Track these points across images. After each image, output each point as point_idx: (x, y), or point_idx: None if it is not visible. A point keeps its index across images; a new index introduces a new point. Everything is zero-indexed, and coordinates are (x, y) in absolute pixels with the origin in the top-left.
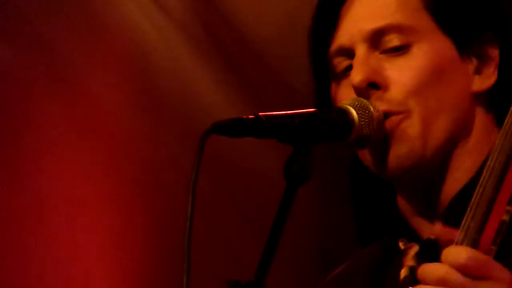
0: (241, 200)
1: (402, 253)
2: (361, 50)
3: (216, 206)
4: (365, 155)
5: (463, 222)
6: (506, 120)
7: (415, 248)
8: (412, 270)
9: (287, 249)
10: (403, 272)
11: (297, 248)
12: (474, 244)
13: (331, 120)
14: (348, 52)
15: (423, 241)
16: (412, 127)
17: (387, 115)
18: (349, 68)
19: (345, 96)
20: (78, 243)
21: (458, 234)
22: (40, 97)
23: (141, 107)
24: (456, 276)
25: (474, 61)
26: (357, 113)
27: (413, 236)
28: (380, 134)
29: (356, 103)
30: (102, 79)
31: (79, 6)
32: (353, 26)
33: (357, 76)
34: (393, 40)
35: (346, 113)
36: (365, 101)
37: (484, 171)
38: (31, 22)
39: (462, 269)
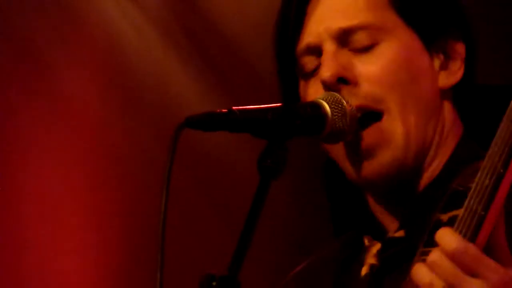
0: (215, 194)
1: (365, 250)
2: (329, 47)
3: (191, 199)
4: (340, 158)
5: (466, 203)
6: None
7: (377, 246)
8: (372, 268)
9: (262, 243)
10: (364, 270)
11: (272, 242)
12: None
13: (305, 115)
14: (316, 51)
15: (386, 240)
16: (396, 134)
17: (366, 121)
18: (318, 67)
19: (315, 94)
20: (54, 237)
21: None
22: (17, 93)
23: (117, 102)
24: (447, 264)
25: (441, 57)
26: (330, 107)
27: (379, 231)
28: (353, 128)
29: (329, 97)
30: (78, 75)
31: (56, 2)
32: (320, 25)
33: (326, 71)
34: (361, 40)
35: (319, 107)
36: (337, 95)
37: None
38: (8, 17)
39: (451, 257)
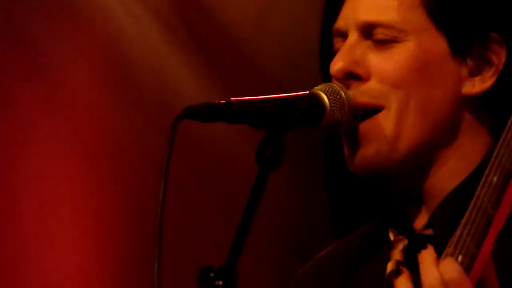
0: (213, 185)
1: (391, 244)
2: (352, 37)
3: (189, 191)
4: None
5: (458, 233)
6: (504, 135)
7: (404, 242)
8: (399, 265)
9: (260, 234)
10: (390, 266)
11: (270, 233)
12: (472, 259)
13: (303, 106)
14: (343, 35)
15: (413, 236)
16: (385, 129)
17: (365, 115)
18: None
19: None
20: (52, 230)
21: (453, 240)
22: (16, 87)
23: (115, 92)
24: None
25: (470, 63)
26: (328, 99)
27: (404, 223)
28: (351, 119)
29: (328, 88)
30: (77, 68)
31: None
32: (351, 12)
33: (336, 64)
34: (382, 35)
35: (318, 98)
36: (336, 86)
37: (480, 185)
38: (7, 11)
39: (446, 285)
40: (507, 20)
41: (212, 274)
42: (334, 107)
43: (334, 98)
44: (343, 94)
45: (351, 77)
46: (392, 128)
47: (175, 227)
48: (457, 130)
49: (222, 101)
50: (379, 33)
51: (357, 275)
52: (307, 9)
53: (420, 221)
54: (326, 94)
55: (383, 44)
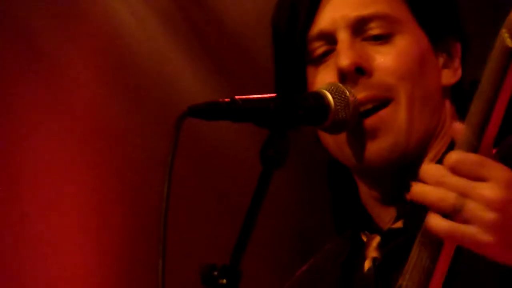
0: (217, 183)
1: (364, 245)
2: (344, 36)
3: (192, 189)
4: (338, 145)
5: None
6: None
7: (377, 239)
8: (375, 261)
9: (263, 233)
10: (367, 264)
11: (273, 232)
12: (473, 149)
13: (307, 105)
14: (328, 37)
15: (385, 231)
16: (399, 119)
17: (372, 109)
18: (327, 53)
19: (325, 80)
20: (54, 229)
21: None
22: (18, 78)
23: (118, 90)
24: (452, 176)
25: (444, 56)
26: (333, 98)
27: (373, 225)
28: (355, 118)
29: (332, 87)
30: (79, 62)
31: None
32: (336, 12)
33: (345, 60)
34: (377, 29)
35: (322, 97)
36: (340, 85)
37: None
38: (8, 7)
39: (453, 170)
40: (460, 17)
41: (215, 273)
42: (339, 106)
43: (338, 97)
44: (347, 93)
45: (358, 72)
46: (405, 119)
47: (179, 225)
48: (442, 120)
49: (226, 100)
50: (375, 27)
51: (342, 279)
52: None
53: (389, 216)
54: (330, 93)
55: (381, 38)
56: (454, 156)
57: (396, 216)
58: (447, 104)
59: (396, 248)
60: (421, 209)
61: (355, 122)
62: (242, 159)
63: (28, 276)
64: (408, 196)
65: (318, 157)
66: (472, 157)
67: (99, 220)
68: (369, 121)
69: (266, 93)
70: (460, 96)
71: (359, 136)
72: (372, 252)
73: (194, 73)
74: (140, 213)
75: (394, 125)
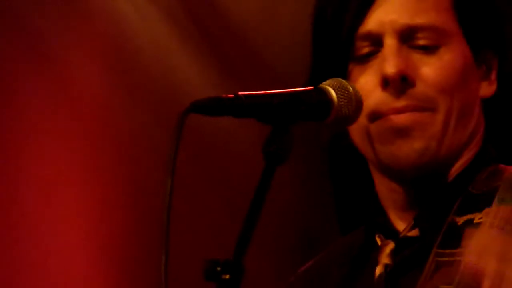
0: (220, 180)
1: (378, 249)
2: (392, 41)
3: (195, 185)
4: (364, 140)
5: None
6: None
7: (390, 245)
8: (387, 268)
9: (266, 228)
10: (378, 270)
11: (276, 227)
12: None
13: (310, 100)
14: (375, 40)
15: (400, 239)
16: (434, 125)
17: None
18: (370, 54)
19: (368, 82)
20: (55, 219)
21: None
22: (20, 73)
23: (121, 86)
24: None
25: (483, 67)
26: (336, 94)
27: (389, 229)
28: (358, 114)
29: (335, 83)
30: (82, 58)
31: None
32: (386, 15)
33: (392, 67)
34: (424, 39)
35: (325, 93)
36: (344, 81)
37: None
38: (10, 0)
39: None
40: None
41: (219, 268)
42: (342, 102)
43: (341, 93)
44: (351, 89)
45: (403, 80)
46: (441, 126)
47: (181, 221)
48: (475, 131)
49: (230, 95)
50: (423, 38)
51: (348, 280)
52: (315, 3)
53: (406, 223)
54: (333, 89)
55: (427, 48)
56: None
57: (413, 223)
58: (480, 115)
59: (409, 256)
60: (438, 220)
61: (358, 118)
62: (245, 155)
63: (28, 276)
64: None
65: (322, 152)
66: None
67: (101, 216)
68: (403, 118)
69: (271, 89)
70: (490, 110)
71: (390, 131)
72: (384, 258)
73: (198, 69)
74: (143, 209)
75: (429, 129)
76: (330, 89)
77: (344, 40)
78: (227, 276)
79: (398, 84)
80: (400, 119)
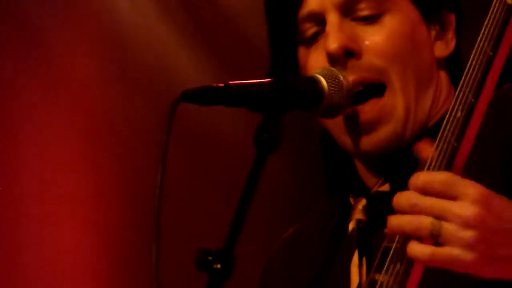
0: (211, 169)
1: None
2: (333, 17)
3: (187, 174)
4: (337, 132)
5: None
6: (465, 72)
7: (362, 202)
8: (359, 223)
9: (258, 217)
10: (351, 225)
11: (268, 216)
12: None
13: (301, 89)
14: (318, 19)
15: (371, 194)
16: (397, 108)
17: (367, 95)
18: (317, 34)
19: (317, 62)
20: (50, 209)
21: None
22: (17, 68)
23: (114, 75)
24: (423, 199)
25: (437, 27)
26: (327, 82)
27: (361, 187)
28: (348, 103)
29: (326, 72)
30: (76, 48)
31: None
32: None
33: (333, 43)
34: (366, 9)
35: (316, 82)
36: (334, 70)
37: (445, 122)
38: None
39: (424, 192)
40: None
41: (210, 257)
42: (333, 91)
43: (332, 82)
44: (341, 77)
45: (348, 54)
46: (403, 107)
47: (173, 211)
48: (438, 91)
49: (220, 84)
50: (364, 8)
51: (329, 241)
52: None
53: (378, 181)
54: (324, 78)
55: (368, 19)
56: (421, 178)
57: (384, 178)
58: (442, 75)
59: (381, 210)
60: (408, 172)
61: (350, 106)
62: (236, 143)
63: (28, 276)
64: (386, 231)
65: (313, 140)
66: (440, 176)
67: (96, 204)
68: (367, 111)
69: (263, 78)
70: (455, 67)
71: (357, 124)
72: (357, 214)
73: (191, 59)
74: (135, 198)
75: (393, 114)
76: (321, 78)
77: (288, 24)
78: (219, 266)
79: (343, 58)
80: (363, 116)
